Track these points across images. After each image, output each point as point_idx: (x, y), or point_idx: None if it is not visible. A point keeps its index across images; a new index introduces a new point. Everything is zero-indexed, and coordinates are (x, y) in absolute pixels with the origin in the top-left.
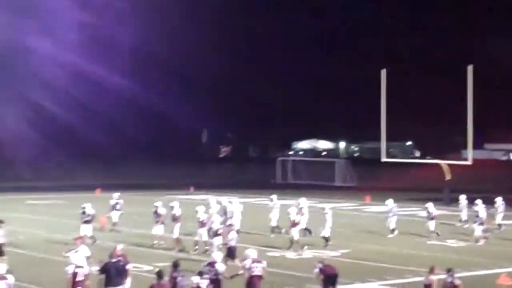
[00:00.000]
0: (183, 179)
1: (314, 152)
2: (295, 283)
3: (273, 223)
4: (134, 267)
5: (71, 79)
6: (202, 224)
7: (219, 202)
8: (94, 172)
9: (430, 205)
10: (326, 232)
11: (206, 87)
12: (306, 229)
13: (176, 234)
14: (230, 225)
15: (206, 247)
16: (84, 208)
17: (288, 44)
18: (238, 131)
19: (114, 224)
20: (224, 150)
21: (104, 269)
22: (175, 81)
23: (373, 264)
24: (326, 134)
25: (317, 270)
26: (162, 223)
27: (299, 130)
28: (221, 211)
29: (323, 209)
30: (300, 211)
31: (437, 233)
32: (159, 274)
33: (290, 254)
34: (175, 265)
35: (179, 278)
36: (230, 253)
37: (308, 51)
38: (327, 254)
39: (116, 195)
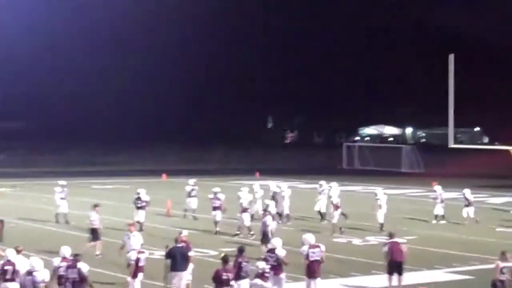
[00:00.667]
0: (249, 165)
1: (381, 138)
2: (361, 269)
3: (317, 208)
4: (200, 252)
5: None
6: (244, 209)
7: (260, 187)
8: (160, 157)
9: (467, 191)
10: (380, 218)
11: (270, 73)
12: (342, 213)
13: (246, 220)
14: (265, 210)
15: (237, 232)
16: (138, 193)
17: (353, 31)
18: (303, 117)
19: (194, 211)
20: (290, 136)
21: (170, 254)
22: (240, 66)
23: (440, 251)
24: (393, 119)
25: (386, 248)
26: (219, 208)
27: (365, 116)
28: (270, 196)
29: (376, 194)
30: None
31: (476, 220)
32: (225, 259)
33: (356, 240)
34: (241, 251)
35: (244, 263)
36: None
37: (377, 37)
38: None
39: (191, 181)
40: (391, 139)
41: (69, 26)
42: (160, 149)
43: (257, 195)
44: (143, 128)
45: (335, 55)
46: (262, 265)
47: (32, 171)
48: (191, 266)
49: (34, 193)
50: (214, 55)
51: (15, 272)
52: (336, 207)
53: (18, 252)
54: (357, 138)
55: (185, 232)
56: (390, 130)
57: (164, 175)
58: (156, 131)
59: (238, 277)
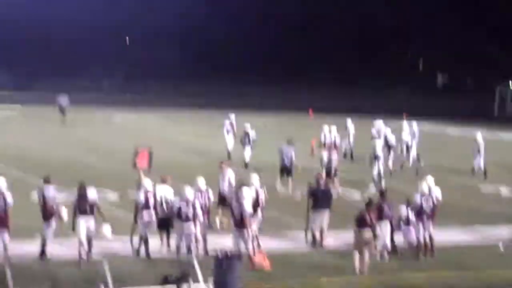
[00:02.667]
0: (397, 106)
1: None
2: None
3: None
4: (343, 193)
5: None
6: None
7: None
8: (306, 92)
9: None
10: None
11: (420, 14)
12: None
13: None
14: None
15: None
16: (247, 132)
17: None
18: (455, 59)
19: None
20: (441, 78)
21: (311, 193)
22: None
23: None
24: None
25: None
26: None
27: None
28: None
29: (475, 140)
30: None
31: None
32: (369, 202)
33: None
34: (382, 194)
35: (386, 207)
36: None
37: None
38: None
39: (378, 122)
40: None
41: None
42: (305, 84)
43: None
44: (289, 62)
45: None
46: (404, 209)
47: (178, 101)
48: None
49: (179, 124)
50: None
51: (155, 200)
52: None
53: (164, 181)
54: None
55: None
56: None
57: (311, 111)
58: (303, 65)
59: (379, 219)
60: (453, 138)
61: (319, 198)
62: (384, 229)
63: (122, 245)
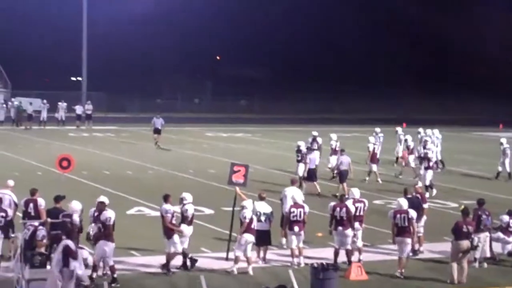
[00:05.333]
0: (493, 115)
1: None
2: None
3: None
4: (440, 204)
5: None
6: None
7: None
8: (397, 105)
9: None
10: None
11: None
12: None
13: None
14: (342, 150)
15: None
16: (299, 146)
17: None
18: None
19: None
20: None
21: None
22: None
23: None
24: None
25: None
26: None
27: None
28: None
29: (501, 144)
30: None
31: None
32: (465, 212)
33: None
34: (480, 203)
35: (483, 216)
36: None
37: None
38: None
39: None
40: None
41: None
42: (396, 98)
43: (402, 137)
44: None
45: None
46: (506, 219)
47: (271, 117)
48: (423, 218)
49: (271, 139)
50: None
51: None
52: (411, 152)
53: (262, 199)
54: None
55: (419, 184)
56: None
57: (404, 124)
58: (393, 78)
59: (477, 230)
60: None
61: None
62: (482, 238)
63: (217, 261)
